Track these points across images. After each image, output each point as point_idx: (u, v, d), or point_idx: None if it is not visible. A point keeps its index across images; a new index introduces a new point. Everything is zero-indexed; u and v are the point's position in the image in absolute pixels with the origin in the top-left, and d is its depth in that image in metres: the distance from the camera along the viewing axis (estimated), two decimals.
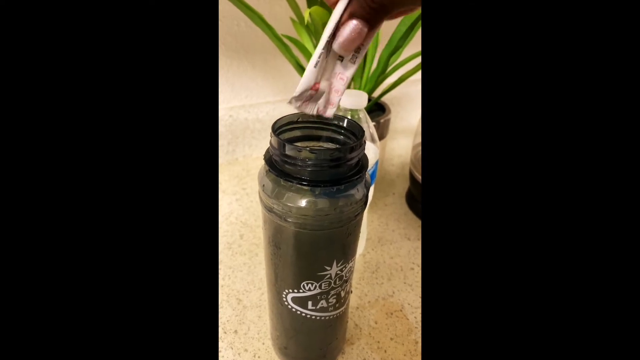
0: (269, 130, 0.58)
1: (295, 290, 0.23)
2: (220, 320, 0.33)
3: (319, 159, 0.18)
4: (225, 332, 0.32)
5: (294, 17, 0.44)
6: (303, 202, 0.19)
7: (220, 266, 0.39)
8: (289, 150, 0.18)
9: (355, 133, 0.20)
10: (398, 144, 0.66)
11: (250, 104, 0.57)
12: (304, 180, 0.19)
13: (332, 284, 0.23)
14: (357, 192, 0.20)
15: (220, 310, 0.34)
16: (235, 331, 0.32)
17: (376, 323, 0.33)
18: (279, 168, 0.19)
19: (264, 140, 0.58)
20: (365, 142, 0.20)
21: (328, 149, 0.18)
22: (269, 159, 0.20)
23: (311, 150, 0.18)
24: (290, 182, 0.19)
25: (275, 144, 0.19)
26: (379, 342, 0.32)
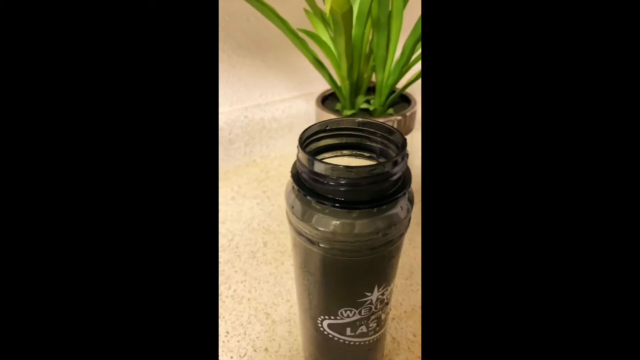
0: (286, 128, 0.56)
1: (332, 317, 0.20)
2: (249, 337, 0.31)
3: (356, 177, 0.16)
4: (255, 351, 0.30)
5: (307, 7, 0.41)
6: (339, 226, 0.17)
7: (245, 278, 0.37)
8: (319, 169, 0.16)
9: (396, 142, 0.18)
10: None
11: (266, 103, 0.54)
12: (339, 202, 0.16)
13: (373, 309, 0.20)
14: (400, 211, 0.17)
15: (248, 326, 0.32)
16: (266, 349, 0.30)
17: (415, 336, 0.31)
18: (309, 187, 0.17)
19: (282, 140, 0.56)
20: (408, 154, 0.17)
21: (367, 166, 0.15)
22: (296, 176, 0.18)
23: (347, 168, 0.16)
24: (324, 204, 0.16)
25: (303, 161, 0.17)
26: (419, 357, 0.29)
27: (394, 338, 0.31)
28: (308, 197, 0.17)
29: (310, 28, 0.44)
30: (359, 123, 0.19)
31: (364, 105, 0.44)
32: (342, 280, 0.18)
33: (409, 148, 0.17)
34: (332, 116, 0.42)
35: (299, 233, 0.18)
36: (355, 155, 0.20)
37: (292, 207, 0.18)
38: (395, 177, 0.16)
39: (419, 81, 0.46)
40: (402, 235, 0.18)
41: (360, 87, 0.44)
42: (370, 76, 0.44)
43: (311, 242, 0.18)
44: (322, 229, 0.17)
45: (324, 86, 0.55)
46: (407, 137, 0.43)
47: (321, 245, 0.17)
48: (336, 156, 0.20)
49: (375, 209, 0.16)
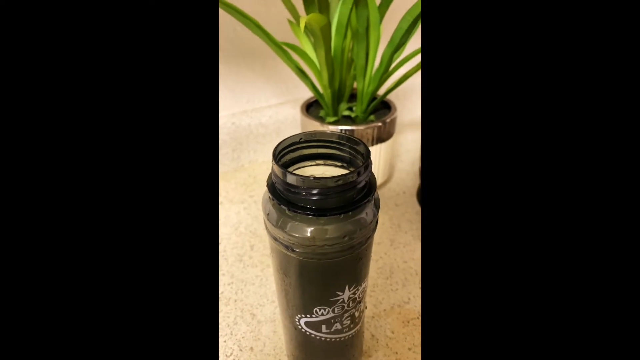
0: (274, 134, 0.58)
1: (308, 315, 0.22)
2: (235, 337, 0.33)
3: (323, 187, 0.17)
4: (241, 350, 0.32)
5: (291, 18, 0.43)
6: (309, 232, 0.18)
7: (232, 280, 0.38)
8: (291, 180, 0.18)
9: (362, 152, 0.19)
10: (405, 138, 0.64)
11: (252, 109, 0.56)
12: (310, 209, 0.18)
13: (346, 307, 0.22)
14: (366, 216, 0.19)
15: (235, 326, 0.34)
16: (251, 348, 0.32)
17: (393, 333, 0.33)
18: (283, 197, 0.19)
19: (269, 145, 0.57)
20: (371, 163, 0.19)
21: (332, 177, 0.17)
22: (271, 186, 0.19)
23: (315, 179, 0.17)
24: (295, 212, 0.18)
25: (277, 173, 0.18)
26: (396, 353, 0.31)
27: (373, 335, 0.33)
28: (282, 206, 0.18)
29: (293, 37, 0.45)
30: (329, 135, 0.20)
31: (347, 113, 0.46)
32: (314, 281, 0.20)
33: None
34: (315, 123, 0.43)
35: (274, 239, 0.20)
36: (329, 165, 0.22)
37: (268, 214, 0.19)
38: (360, 186, 0.18)
39: (399, 88, 0.48)
40: (369, 238, 0.20)
41: (343, 94, 0.45)
42: (352, 84, 0.45)
43: (286, 247, 0.19)
44: (295, 234, 0.18)
45: (309, 93, 0.56)
46: (389, 142, 0.45)
47: (295, 249, 0.19)
48: (311, 165, 0.22)
49: (342, 215, 0.18)
